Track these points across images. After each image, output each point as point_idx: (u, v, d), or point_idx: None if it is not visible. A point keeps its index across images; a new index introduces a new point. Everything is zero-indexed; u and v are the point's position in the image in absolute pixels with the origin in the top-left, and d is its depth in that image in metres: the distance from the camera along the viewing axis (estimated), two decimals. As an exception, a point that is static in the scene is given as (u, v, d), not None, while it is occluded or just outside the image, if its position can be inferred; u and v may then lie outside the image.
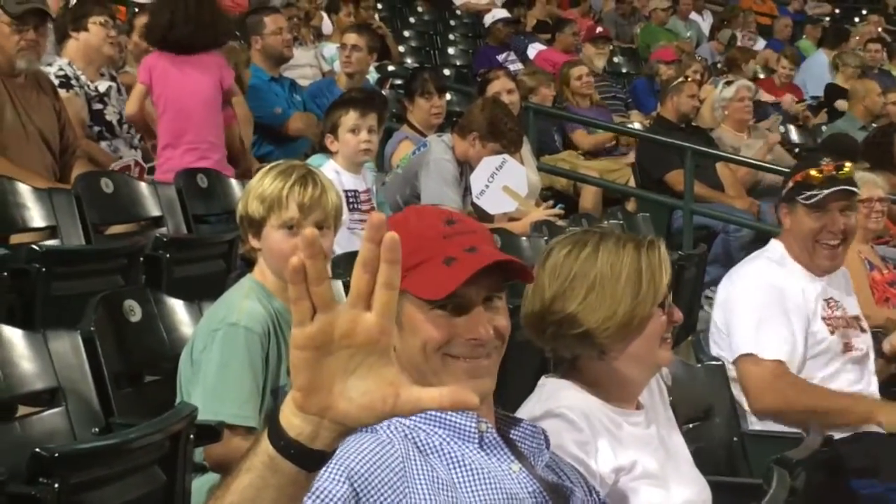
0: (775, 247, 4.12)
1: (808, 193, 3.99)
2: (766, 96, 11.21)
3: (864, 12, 18.88)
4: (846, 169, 4.06)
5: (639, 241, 2.55)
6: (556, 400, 2.50)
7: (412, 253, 2.00)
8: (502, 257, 2.05)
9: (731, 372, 3.97)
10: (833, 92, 11.60)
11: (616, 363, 2.52)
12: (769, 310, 3.90)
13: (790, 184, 4.09)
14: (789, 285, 3.96)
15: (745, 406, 3.96)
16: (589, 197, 8.38)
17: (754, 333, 3.89)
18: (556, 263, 2.51)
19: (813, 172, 4.02)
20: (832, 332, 3.98)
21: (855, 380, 4.01)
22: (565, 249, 2.52)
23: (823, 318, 3.99)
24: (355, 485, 1.85)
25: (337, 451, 1.89)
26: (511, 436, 2.12)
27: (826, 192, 3.96)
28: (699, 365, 4.00)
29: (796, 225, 4.02)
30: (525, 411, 2.48)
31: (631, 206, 8.30)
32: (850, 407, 3.88)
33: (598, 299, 2.47)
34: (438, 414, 2.02)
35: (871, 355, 4.17)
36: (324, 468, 1.84)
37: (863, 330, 4.14)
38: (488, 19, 11.77)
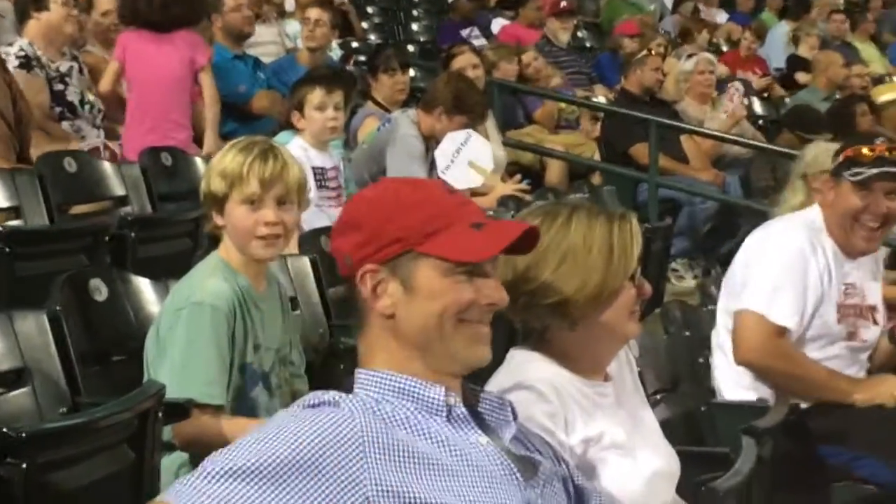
0: (815, 215, 4.02)
1: (856, 170, 3.89)
2: (733, 70, 11.24)
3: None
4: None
5: (611, 213, 2.56)
6: (525, 372, 2.50)
7: (434, 218, 2.04)
8: (528, 226, 2.13)
9: (725, 321, 3.95)
10: (795, 63, 11.64)
11: (586, 334, 2.53)
12: (791, 276, 3.85)
13: (840, 158, 3.98)
14: (817, 260, 3.90)
15: (720, 372, 3.97)
16: (555, 171, 8.39)
17: (770, 294, 3.84)
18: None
19: (865, 150, 3.92)
20: (839, 321, 3.95)
21: (845, 366, 3.99)
22: (537, 220, 2.53)
23: (837, 304, 3.96)
24: (301, 457, 1.85)
25: (290, 422, 1.91)
26: (479, 409, 2.13)
27: (875, 171, 3.87)
28: (666, 336, 4.02)
29: (840, 200, 3.91)
30: (494, 384, 2.48)
31: (596, 179, 8.33)
32: (829, 382, 3.85)
33: (571, 269, 2.48)
34: (406, 387, 2.03)
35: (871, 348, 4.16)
36: (272, 433, 1.86)
37: (875, 322, 4.08)
38: (452, -6, 11.76)
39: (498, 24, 11.48)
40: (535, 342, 2.59)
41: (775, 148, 8.06)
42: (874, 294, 4.09)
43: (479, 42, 10.37)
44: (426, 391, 2.03)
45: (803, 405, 3.86)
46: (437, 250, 2.03)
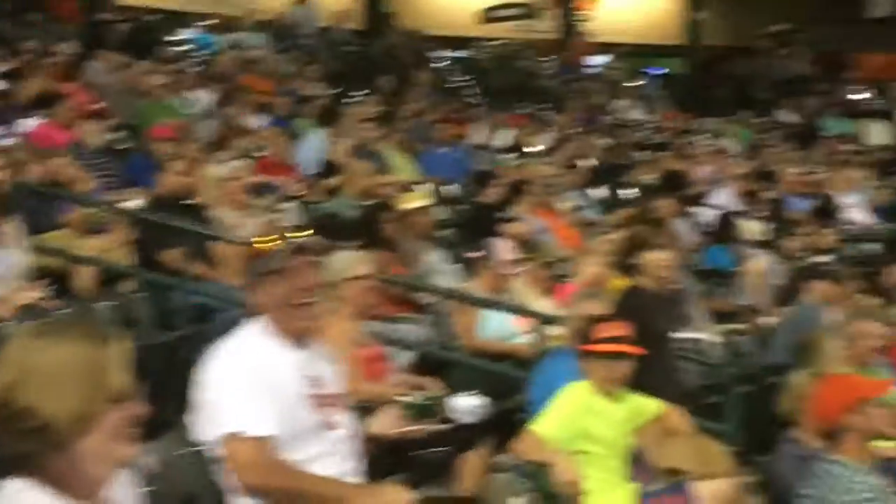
0: (256, 322, 4.15)
1: (266, 263, 4.09)
2: (264, 176, 11.39)
3: (360, 93, 19.71)
4: (293, 233, 4.25)
5: (94, 334, 2.49)
6: (17, 506, 2.38)
7: None
8: None
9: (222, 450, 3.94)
10: (329, 169, 11.95)
11: (76, 460, 2.44)
12: (251, 386, 3.92)
13: (253, 259, 4.19)
14: (270, 362, 3.99)
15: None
16: (84, 277, 8.14)
17: (238, 410, 3.89)
18: (11, 353, 2.43)
19: (258, 245, 4.17)
20: (314, 411, 4.04)
21: (339, 462, 4.09)
22: (23, 339, 2.44)
23: (306, 396, 4.05)
24: None
25: None
26: None
27: (284, 253, 4.09)
28: (183, 452, 3.96)
29: (268, 297, 4.06)
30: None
31: (128, 285, 8.15)
32: (326, 491, 3.93)
33: (49, 393, 2.39)
34: None
35: (357, 436, 4.27)
36: None
37: (345, 409, 4.24)
38: (-25, 91, 11.27)
39: (29, 124, 11.10)
40: (28, 470, 2.47)
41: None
42: (336, 385, 4.27)
43: (7, 142, 9.99)
44: None
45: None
46: None
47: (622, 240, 6.59)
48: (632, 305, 5.81)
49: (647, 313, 5.79)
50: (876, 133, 24.65)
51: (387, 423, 4.45)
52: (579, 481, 4.96)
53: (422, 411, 4.99)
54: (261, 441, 3.85)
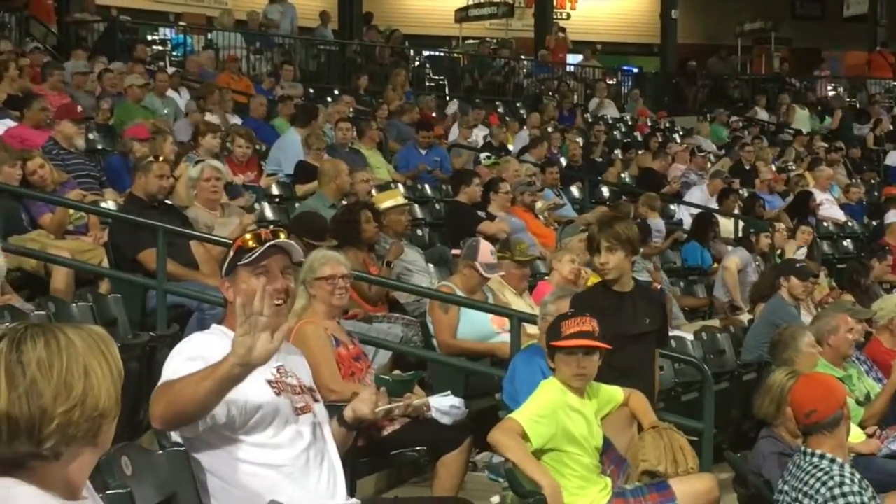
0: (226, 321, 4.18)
1: (248, 254, 4.10)
2: (240, 175, 11.38)
3: (336, 92, 19.72)
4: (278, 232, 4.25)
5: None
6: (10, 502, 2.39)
7: None
8: None
9: None
10: (304, 169, 11.93)
11: (66, 461, 2.46)
12: (191, 353, 3.91)
13: (230, 254, 4.19)
14: (225, 344, 3.79)
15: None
16: (60, 278, 8.11)
17: (168, 370, 3.88)
18: (43, 358, 2.43)
19: (248, 237, 4.18)
20: (278, 394, 4.05)
21: (310, 445, 4.10)
22: (40, 341, 2.44)
23: (269, 382, 4.05)
24: None
25: None
26: None
27: (261, 250, 4.08)
28: (160, 451, 3.96)
29: (240, 294, 4.02)
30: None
31: (104, 287, 8.14)
32: (205, 378, 3.68)
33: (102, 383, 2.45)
34: None
35: (327, 423, 4.28)
36: None
37: (316, 400, 4.25)
38: (-49, 92, 11.23)
39: (3, 126, 11.06)
40: (9, 469, 2.47)
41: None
42: (309, 380, 4.32)
43: (-18, 143, 9.96)
44: None
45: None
46: None
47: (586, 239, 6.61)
48: (599, 302, 5.83)
49: (614, 310, 5.81)
50: (849, 130, 24.80)
51: (365, 403, 4.41)
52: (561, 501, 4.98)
53: (395, 389, 4.98)
54: (170, 381, 3.76)
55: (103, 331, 2.56)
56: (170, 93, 15.08)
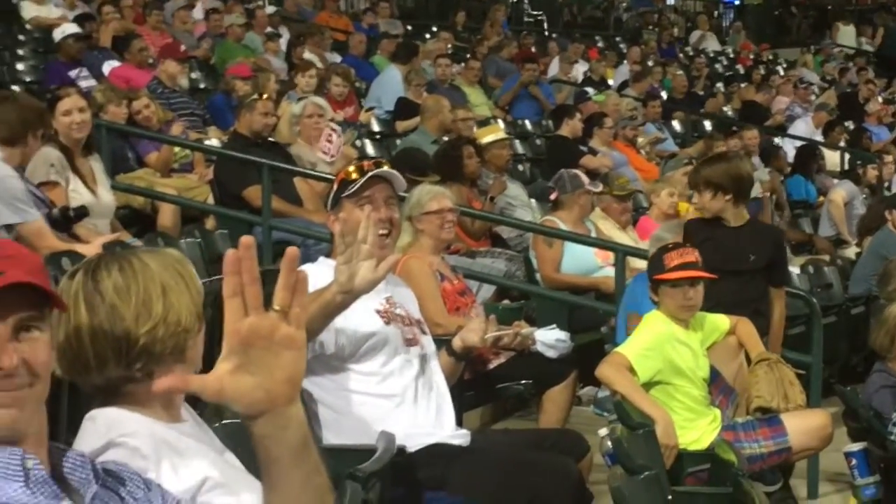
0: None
1: (351, 185, 4.14)
2: (341, 112, 11.41)
3: (435, 29, 19.63)
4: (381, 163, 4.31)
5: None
6: (117, 429, 2.43)
7: None
8: (15, 279, 1.91)
9: None
10: (405, 106, 11.94)
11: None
12: None
13: (334, 187, 4.24)
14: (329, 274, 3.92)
15: (321, 419, 3.99)
16: (167, 215, 8.22)
17: None
18: (120, 283, 2.46)
19: (351, 169, 4.22)
20: (388, 323, 4.08)
21: (418, 376, 4.12)
22: (114, 268, 2.48)
23: (378, 311, 4.08)
24: None
25: None
26: (63, 470, 2.04)
27: (363, 180, 4.11)
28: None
29: (344, 225, 4.05)
30: (86, 446, 2.39)
31: (210, 223, 8.23)
32: None
33: (181, 298, 2.51)
34: None
35: (436, 359, 4.30)
36: None
37: (424, 332, 4.28)
38: (58, 34, 11.35)
39: (108, 66, 11.19)
40: (108, 399, 2.51)
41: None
42: (416, 312, 4.36)
43: (88, 83, 10.09)
44: None
45: (411, 449, 3.93)
46: None
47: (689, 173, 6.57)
48: (702, 234, 5.78)
49: (715, 243, 5.75)
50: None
51: (475, 332, 4.41)
52: (676, 442, 4.94)
53: (503, 316, 4.99)
54: None
55: (178, 252, 2.60)
56: (269, 31, 15.12)
